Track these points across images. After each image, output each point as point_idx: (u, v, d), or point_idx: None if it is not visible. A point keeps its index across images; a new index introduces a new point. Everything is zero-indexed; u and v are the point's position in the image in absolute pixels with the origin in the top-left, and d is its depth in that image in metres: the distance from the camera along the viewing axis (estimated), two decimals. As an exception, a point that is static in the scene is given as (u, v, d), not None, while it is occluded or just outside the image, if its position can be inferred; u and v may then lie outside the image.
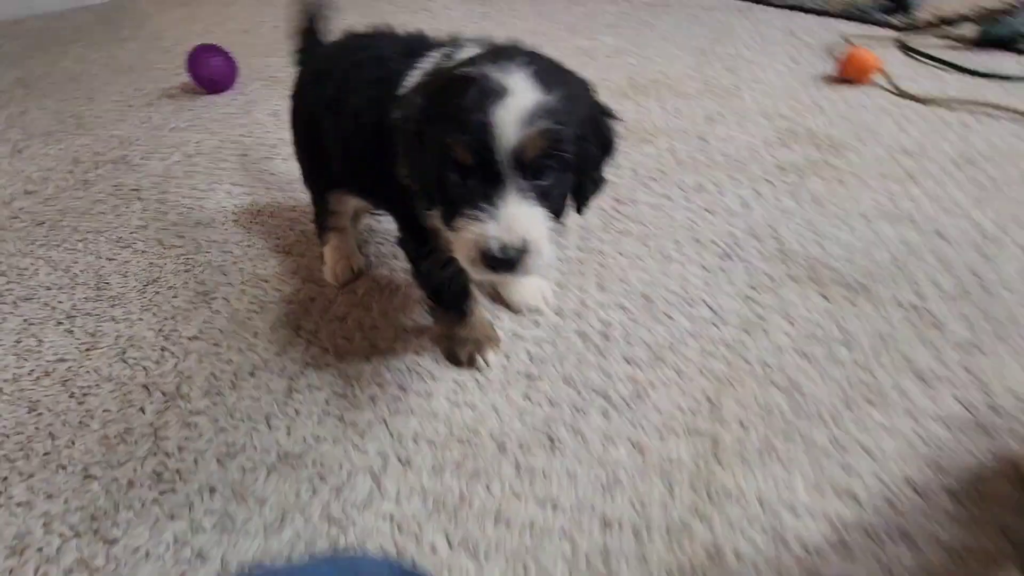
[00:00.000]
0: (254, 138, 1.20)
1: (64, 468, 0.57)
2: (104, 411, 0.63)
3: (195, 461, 0.57)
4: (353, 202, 0.75)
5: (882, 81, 1.13)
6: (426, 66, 0.52)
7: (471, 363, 0.63)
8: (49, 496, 0.55)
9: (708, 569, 0.45)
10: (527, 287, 0.70)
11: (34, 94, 1.55)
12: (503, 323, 0.69)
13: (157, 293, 0.79)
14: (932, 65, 1.18)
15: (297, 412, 0.61)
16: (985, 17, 1.31)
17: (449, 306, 0.62)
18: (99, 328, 0.74)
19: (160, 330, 0.73)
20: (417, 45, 0.57)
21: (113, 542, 0.51)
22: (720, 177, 0.91)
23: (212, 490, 0.54)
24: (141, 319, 0.75)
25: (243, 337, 0.71)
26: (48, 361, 0.70)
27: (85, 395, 0.65)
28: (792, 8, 1.57)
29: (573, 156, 0.44)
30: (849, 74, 1.13)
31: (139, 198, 1.02)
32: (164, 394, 0.64)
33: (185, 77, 1.54)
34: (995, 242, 0.73)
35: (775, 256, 0.75)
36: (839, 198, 0.84)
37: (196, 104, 1.39)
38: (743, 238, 0.78)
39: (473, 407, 0.60)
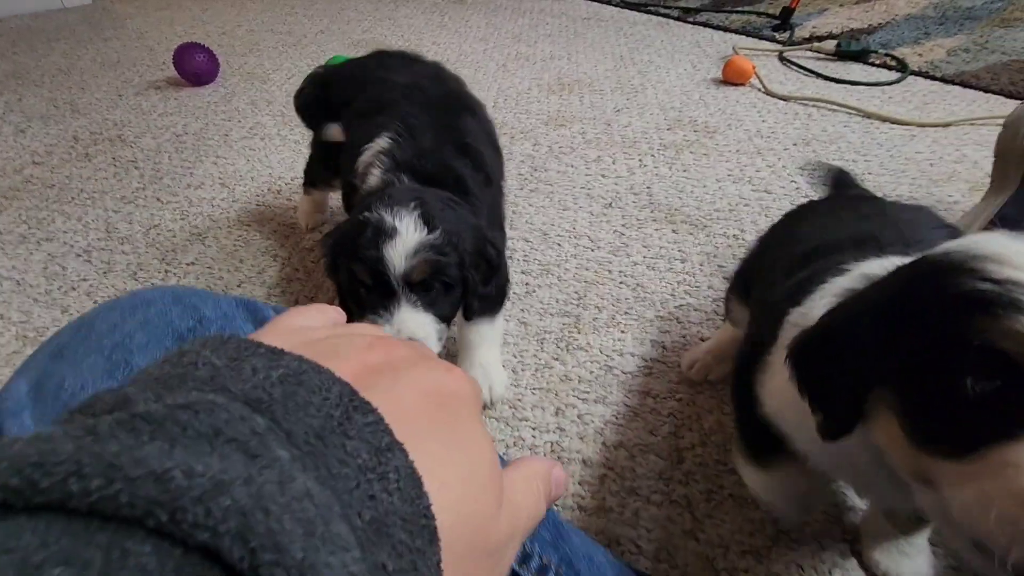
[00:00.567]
0: (234, 122, 1.39)
1: (96, 346, 0.76)
2: (123, 311, 0.82)
3: (198, 339, 0.76)
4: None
5: (756, 83, 1.39)
6: None
7: None
8: (87, 362, 0.74)
9: (558, 387, 0.67)
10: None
11: (27, 84, 1.70)
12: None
13: (159, 234, 0.98)
14: (799, 72, 1.46)
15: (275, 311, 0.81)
16: (846, 35, 1.60)
17: None
18: (112, 258, 0.93)
19: (163, 259, 0.92)
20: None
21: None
22: (616, 152, 1.15)
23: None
24: (147, 252, 0.94)
25: (231, 262, 0.90)
26: (73, 280, 0.88)
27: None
28: (702, 24, 1.85)
29: (455, 278, 0.55)
30: (731, 77, 1.40)
31: (136, 167, 1.20)
32: (170, 299, 0.83)
33: (170, 72, 1.72)
34: (805, 196, 0.98)
35: (645, 206, 0.98)
36: (701, 167, 1.08)
37: (181, 94, 1.57)
38: (624, 194, 1.02)
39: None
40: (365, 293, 0.55)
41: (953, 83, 1.33)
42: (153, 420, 0.12)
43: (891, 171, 1.03)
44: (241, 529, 0.10)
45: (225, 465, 0.11)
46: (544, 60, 1.66)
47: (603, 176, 1.07)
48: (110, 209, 1.06)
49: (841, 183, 0.70)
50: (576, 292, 0.81)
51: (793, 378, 0.33)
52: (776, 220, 0.62)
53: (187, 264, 0.90)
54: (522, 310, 0.78)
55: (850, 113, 1.24)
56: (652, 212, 0.97)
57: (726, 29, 1.78)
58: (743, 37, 1.72)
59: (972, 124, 1.16)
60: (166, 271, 0.89)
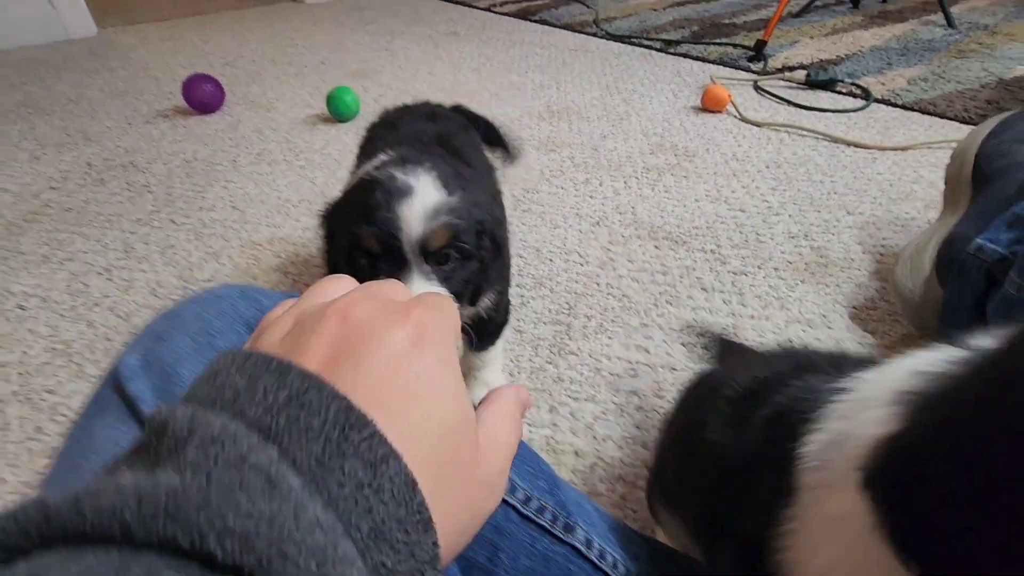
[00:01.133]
0: (241, 149, 1.47)
1: (121, 356, 0.82)
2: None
3: (217, 349, 0.82)
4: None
5: (732, 110, 1.49)
6: None
7: None
8: (114, 371, 0.79)
9: (552, 387, 0.74)
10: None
11: (39, 113, 1.77)
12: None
13: (175, 254, 1.04)
14: (772, 100, 1.56)
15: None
16: (815, 66, 1.72)
17: None
18: (132, 276, 0.99)
19: (180, 276, 0.98)
20: None
21: (165, 391, 0.76)
22: (603, 175, 1.24)
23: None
24: (164, 270, 1.00)
25: (245, 280, 0.97)
26: (95, 297, 0.94)
27: (129, 316, 0.89)
28: (682, 55, 1.96)
29: (471, 249, 0.50)
30: (708, 105, 1.50)
31: (150, 191, 1.27)
32: (189, 313, 0.89)
33: (176, 101, 1.80)
34: (776, 215, 1.07)
35: (630, 224, 1.06)
36: (682, 188, 1.17)
37: (189, 122, 1.65)
38: (610, 213, 1.10)
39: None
40: (367, 264, 0.49)
41: (913, 110, 1.44)
42: (194, 462, 0.16)
43: (855, 191, 1.12)
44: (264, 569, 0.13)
45: (252, 500, 0.14)
46: (535, 89, 1.76)
47: (591, 197, 1.15)
48: (127, 231, 1.12)
49: (727, 350, 0.61)
50: (567, 303, 0.88)
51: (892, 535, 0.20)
52: (679, 401, 0.51)
53: (203, 281, 0.97)
54: (518, 319, 0.85)
55: (818, 138, 1.34)
56: (636, 230, 1.04)
57: (705, 60, 1.90)
58: (720, 67, 1.83)
59: (929, 147, 1.26)
60: (184, 287, 0.95)
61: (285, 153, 1.43)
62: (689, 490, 0.40)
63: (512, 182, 1.22)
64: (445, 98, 1.72)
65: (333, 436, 0.18)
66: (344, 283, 0.29)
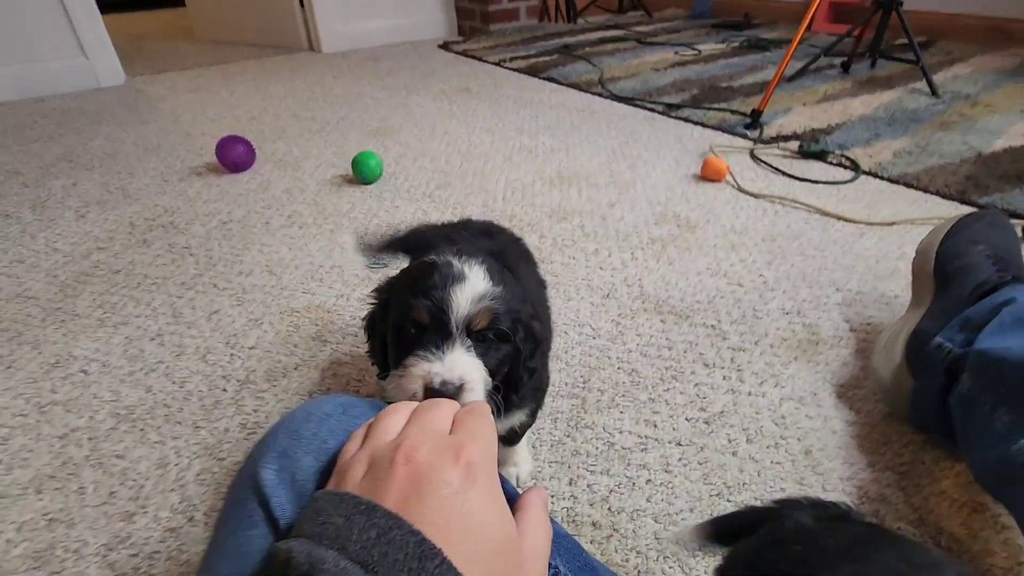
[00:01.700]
0: (273, 211, 1.58)
1: (179, 424, 0.90)
2: (198, 391, 0.96)
3: (265, 416, 0.91)
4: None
5: (731, 180, 1.61)
6: None
7: None
8: (174, 438, 0.88)
9: (570, 460, 0.82)
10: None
11: (79, 168, 1.89)
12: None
13: (220, 320, 1.14)
14: (767, 169, 1.68)
15: (328, 389, 0.96)
16: (808, 135, 1.85)
17: None
18: (182, 342, 1.08)
19: (227, 343, 1.07)
20: None
21: (222, 459, 0.84)
22: (611, 246, 1.34)
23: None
24: (212, 336, 1.09)
25: (287, 347, 1.06)
26: (151, 363, 1.03)
27: (184, 382, 0.98)
28: (684, 119, 2.09)
29: (508, 334, 0.56)
30: (708, 175, 1.61)
31: (191, 254, 1.37)
32: (238, 381, 0.98)
33: (208, 158, 1.92)
34: (771, 290, 1.16)
35: (637, 297, 1.16)
36: (685, 261, 1.27)
37: (222, 182, 1.76)
38: (619, 286, 1.20)
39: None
40: (415, 334, 0.55)
41: (898, 183, 1.55)
42: None
43: (843, 267, 1.22)
44: None
45: None
46: (545, 153, 1.88)
47: (601, 269, 1.26)
48: (173, 295, 1.22)
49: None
50: (581, 376, 0.97)
51: None
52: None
53: (249, 348, 1.06)
54: (537, 392, 0.94)
55: (811, 211, 1.45)
56: (643, 303, 1.14)
57: (704, 125, 2.03)
58: (719, 133, 1.96)
59: (912, 224, 1.36)
60: (231, 355, 1.04)
61: (314, 216, 1.53)
62: None
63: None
64: (460, 160, 1.85)
65: (415, 566, 0.26)
66: (400, 416, 0.40)
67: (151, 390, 0.97)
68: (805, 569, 0.41)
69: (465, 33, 3.88)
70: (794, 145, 1.77)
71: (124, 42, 3.80)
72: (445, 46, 3.53)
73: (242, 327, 1.11)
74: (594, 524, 0.73)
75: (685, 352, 1.01)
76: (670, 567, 0.68)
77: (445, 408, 0.40)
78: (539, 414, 0.80)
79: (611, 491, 0.77)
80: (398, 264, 0.75)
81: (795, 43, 1.94)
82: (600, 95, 2.44)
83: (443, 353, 0.53)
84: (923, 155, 1.68)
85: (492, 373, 0.57)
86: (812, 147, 1.72)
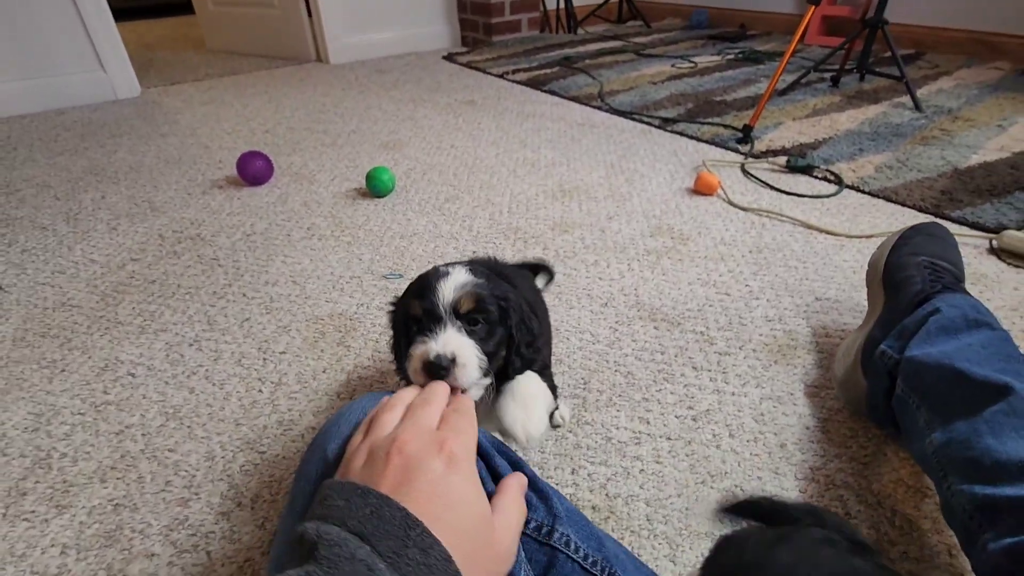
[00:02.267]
0: (293, 223, 1.68)
1: (222, 421, 1.01)
2: (236, 392, 1.07)
3: (299, 415, 1.01)
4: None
5: (722, 195, 1.71)
6: None
7: None
8: (219, 434, 0.98)
9: (572, 453, 0.93)
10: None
11: (106, 181, 1.99)
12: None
13: (251, 327, 1.24)
14: (757, 183, 1.78)
15: (354, 391, 1.06)
16: (795, 150, 1.95)
17: None
18: (218, 348, 1.18)
19: (259, 348, 1.18)
20: None
21: (263, 452, 0.94)
22: (609, 257, 1.45)
23: (315, 428, 0.99)
24: (245, 342, 1.20)
25: (314, 352, 1.16)
26: (191, 366, 1.13)
27: (223, 384, 1.09)
28: (679, 133, 2.20)
29: (497, 320, 0.64)
30: (700, 189, 1.72)
31: (219, 265, 1.48)
32: (272, 383, 1.09)
33: (227, 171, 2.03)
34: (756, 298, 1.27)
35: (633, 305, 1.27)
36: (677, 271, 1.38)
37: (242, 194, 1.87)
38: (616, 295, 1.30)
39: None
40: (416, 328, 0.62)
41: (878, 197, 1.66)
42: (326, 558, 0.32)
43: (823, 277, 1.33)
44: None
45: None
46: (547, 166, 1.99)
47: (600, 279, 1.36)
48: (206, 303, 1.32)
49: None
50: (582, 378, 1.07)
51: None
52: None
53: (280, 353, 1.16)
54: (542, 392, 1.04)
55: (795, 224, 1.55)
56: (639, 311, 1.25)
57: (698, 139, 2.13)
58: (712, 147, 2.07)
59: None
60: (264, 359, 1.14)
61: (332, 228, 1.64)
62: None
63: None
64: (467, 173, 1.95)
65: (400, 534, 0.34)
66: (395, 413, 0.50)
67: (194, 391, 1.07)
68: None
69: (468, 44, 3.99)
70: (783, 160, 1.88)
71: (136, 52, 3.90)
72: (449, 57, 3.64)
73: (272, 333, 1.22)
74: (594, 507, 0.84)
75: (676, 356, 1.12)
76: (659, 544, 0.78)
77: (434, 406, 0.49)
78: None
79: (608, 479, 0.88)
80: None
81: (785, 59, 2.04)
82: (599, 108, 2.54)
83: (437, 335, 0.60)
84: (903, 170, 1.78)
85: (488, 353, 0.63)
86: (799, 162, 1.83)
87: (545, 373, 0.78)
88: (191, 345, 1.19)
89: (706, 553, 0.71)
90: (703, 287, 1.32)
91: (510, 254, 1.47)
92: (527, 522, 0.52)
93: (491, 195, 1.81)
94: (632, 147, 2.12)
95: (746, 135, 2.04)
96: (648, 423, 0.97)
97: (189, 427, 0.99)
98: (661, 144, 2.14)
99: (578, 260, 1.44)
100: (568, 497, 0.86)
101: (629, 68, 3.11)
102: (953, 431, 0.70)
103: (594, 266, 1.41)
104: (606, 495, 0.86)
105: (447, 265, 0.67)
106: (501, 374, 0.69)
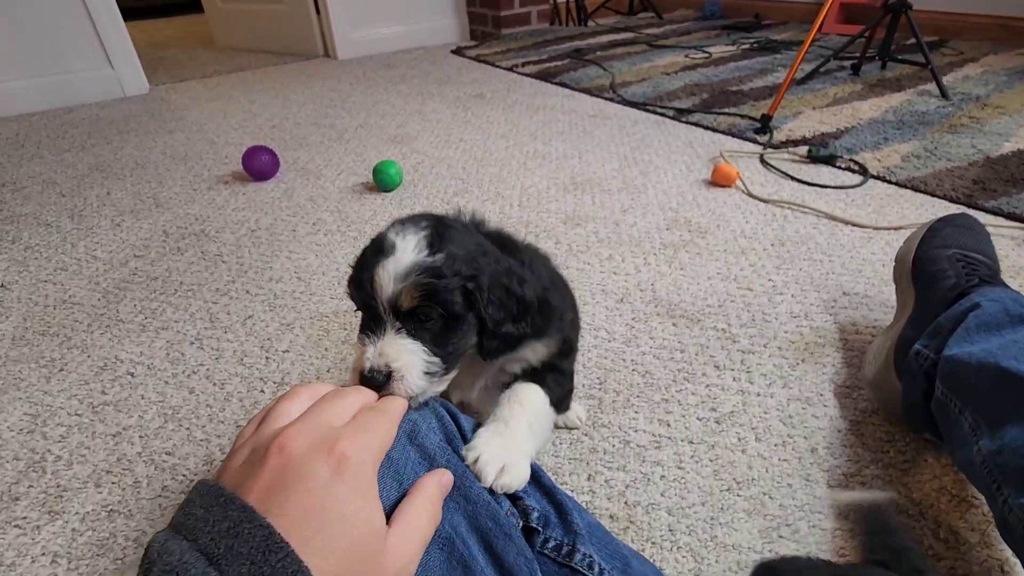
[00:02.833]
0: (299, 218, 1.64)
1: (222, 423, 0.97)
2: (238, 392, 1.03)
3: (302, 416, 0.97)
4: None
5: (740, 186, 1.65)
6: None
7: None
8: (218, 436, 0.94)
9: (588, 457, 0.87)
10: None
11: (112, 178, 1.97)
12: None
13: (254, 324, 1.20)
14: (777, 174, 1.71)
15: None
16: (817, 140, 1.88)
17: None
18: (220, 346, 1.14)
19: (262, 347, 1.14)
20: None
21: (263, 455, 0.90)
22: (624, 251, 1.39)
23: (315, 430, 0.94)
24: (248, 340, 1.16)
25: (318, 350, 1.12)
26: (192, 365, 1.10)
27: (223, 384, 1.05)
28: (694, 124, 2.13)
29: (458, 310, 0.51)
30: (718, 180, 1.65)
31: (223, 261, 1.44)
32: (275, 383, 1.04)
33: (233, 166, 1.99)
34: (780, 293, 1.21)
35: (650, 301, 1.21)
36: (695, 266, 1.32)
37: (248, 190, 1.83)
38: (632, 290, 1.24)
39: (464, 386, 1.02)
40: (364, 314, 0.54)
41: (906, 187, 1.59)
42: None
43: (851, 271, 1.26)
44: None
45: None
46: (559, 159, 1.93)
47: (615, 274, 1.30)
48: (209, 301, 1.28)
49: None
50: (598, 378, 1.02)
51: None
52: None
53: (283, 351, 1.12)
54: (556, 393, 0.99)
55: (819, 216, 1.48)
56: (656, 307, 1.19)
57: (715, 130, 2.06)
58: (729, 138, 2.00)
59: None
60: (267, 358, 1.10)
61: (338, 223, 1.59)
62: None
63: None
64: (476, 167, 1.90)
65: (258, 559, 0.29)
66: (298, 403, 0.42)
67: (194, 391, 1.03)
68: None
69: (477, 38, 3.94)
70: (803, 150, 1.81)
71: (145, 50, 3.90)
72: (458, 51, 3.59)
73: (275, 331, 1.18)
74: (612, 517, 0.79)
75: (697, 355, 1.06)
76: (682, 557, 0.73)
77: (350, 399, 0.42)
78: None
79: (627, 486, 0.83)
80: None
81: (805, 47, 1.97)
82: (611, 100, 2.48)
83: (376, 338, 0.50)
84: (931, 159, 1.70)
85: (443, 354, 0.52)
86: (821, 152, 1.75)
87: (570, 357, 0.71)
88: (192, 343, 1.15)
89: (736, 568, 0.66)
90: (723, 282, 1.26)
91: (521, 249, 1.42)
92: (544, 541, 0.47)
93: (501, 188, 1.75)
94: (646, 138, 2.06)
95: (764, 125, 1.97)
96: (669, 426, 0.92)
97: (188, 429, 0.96)
98: (676, 135, 2.07)
99: (591, 254, 1.39)
100: (584, 505, 0.80)
101: (641, 59, 3.04)
102: (1004, 437, 0.64)
103: (608, 260, 1.36)
104: (625, 503, 0.80)
105: (402, 224, 0.53)
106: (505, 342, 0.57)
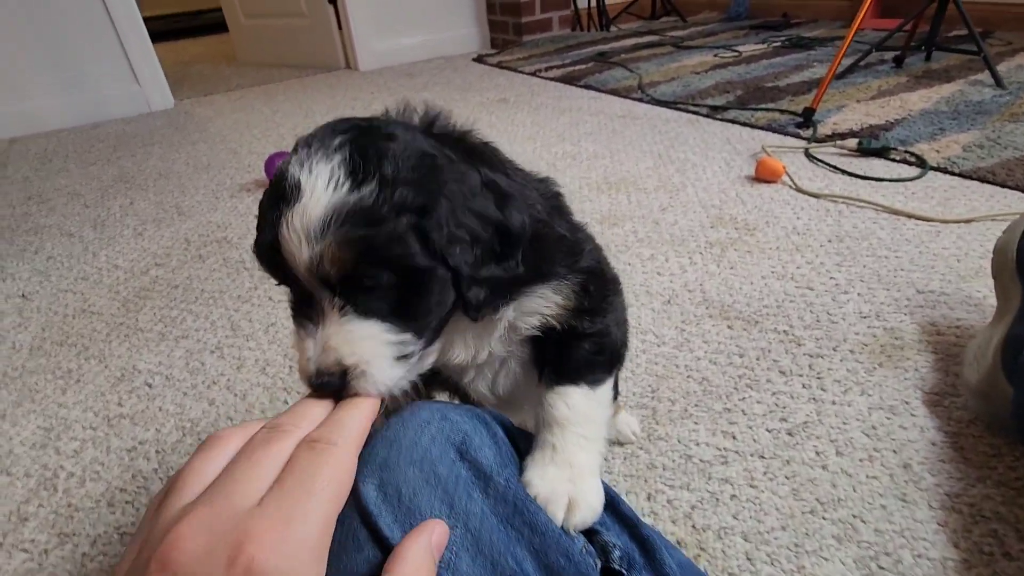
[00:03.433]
0: (322, 223, 1.58)
1: (243, 436, 0.90)
2: (260, 403, 0.96)
3: (328, 429, 0.89)
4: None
5: (787, 180, 1.54)
6: None
7: None
8: (238, 450, 0.87)
9: (646, 473, 0.78)
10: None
11: (135, 188, 1.95)
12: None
13: (277, 332, 1.14)
14: (825, 168, 1.61)
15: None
16: (866, 133, 1.77)
17: None
18: (241, 355, 1.08)
19: (285, 355, 1.07)
20: None
21: (287, 472, 0.83)
22: (667, 250, 1.30)
23: (342, 445, 0.86)
24: (270, 348, 1.09)
25: (344, 358, 1.05)
26: (212, 375, 1.03)
27: (245, 394, 0.98)
28: (730, 121, 2.04)
29: (421, 258, 0.35)
30: (763, 175, 1.55)
31: (245, 268, 1.38)
32: (298, 393, 0.97)
33: (256, 174, 1.96)
34: (845, 293, 1.10)
35: (700, 302, 1.11)
36: (747, 264, 1.22)
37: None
38: (680, 291, 1.15)
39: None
40: (290, 291, 0.39)
41: (971, 178, 1.47)
42: None
43: (921, 267, 1.15)
44: None
45: None
46: (589, 159, 1.85)
47: (659, 274, 1.21)
48: (230, 308, 1.23)
49: None
50: (649, 385, 0.93)
51: None
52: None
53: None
54: (604, 402, 0.90)
55: (877, 210, 1.37)
56: (707, 309, 1.09)
57: (753, 126, 1.97)
58: (769, 133, 1.89)
59: (993, 220, 1.28)
60: (290, 367, 1.03)
61: (363, 228, 1.53)
62: None
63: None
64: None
65: None
66: (225, 451, 0.31)
67: (214, 403, 0.97)
68: None
69: (498, 46, 3.90)
70: (852, 143, 1.69)
71: (172, 68, 3.95)
72: (479, 59, 3.56)
73: (299, 339, 1.11)
74: (679, 543, 0.69)
75: (758, 359, 0.96)
76: (767, 591, 0.63)
77: (276, 447, 0.31)
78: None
79: (693, 507, 0.73)
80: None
81: (849, 38, 1.87)
82: (640, 100, 2.40)
83: (315, 326, 0.36)
84: (996, 148, 1.58)
85: (416, 324, 0.38)
86: (872, 144, 1.64)
87: (607, 301, 0.50)
88: (213, 352, 1.09)
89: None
90: (779, 281, 1.15)
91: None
92: None
93: (531, 190, 1.68)
94: (680, 136, 1.96)
95: (807, 119, 1.87)
96: (734, 438, 0.82)
97: (207, 443, 0.88)
98: (711, 132, 1.97)
99: (632, 254, 1.29)
100: (646, 529, 0.71)
101: (668, 60, 2.96)
102: None
103: (651, 260, 1.26)
104: (692, 527, 0.70)
105: (307, 147, 0.36)
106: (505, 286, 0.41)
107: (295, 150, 0.37)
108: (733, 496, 0.74)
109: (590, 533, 0.41)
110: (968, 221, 1.28)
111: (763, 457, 0.79)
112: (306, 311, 0.37)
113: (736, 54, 2.95)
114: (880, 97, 2.08)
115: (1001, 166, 1.49)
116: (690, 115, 2.17)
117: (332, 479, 0.30)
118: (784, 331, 1.02)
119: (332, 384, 0.36)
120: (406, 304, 0.37)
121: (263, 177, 1.89)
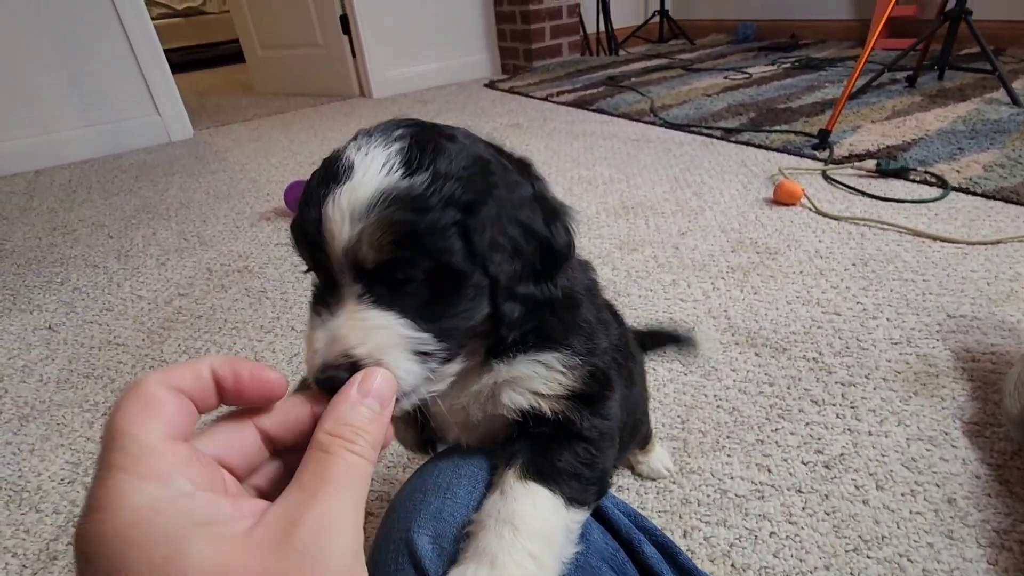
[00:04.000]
0: (342, 251, 1.60)
1: (269, 470, 0.89)
2: (285, 437, 0.95)
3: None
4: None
5: (806, 203, 1.54)
6: None
7: None
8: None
9: (680, 509, 0.76)
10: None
11: (157, 218, 1.98)
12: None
13: (301, 363, 1.14)
14: (844, 190, 1.60)
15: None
16: (883, 153, 1.76)
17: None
18: (265, 386, 1.08)
19: (309, 386, 1.07)
20: None
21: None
22: (689, 276, 1.29)
23: (381, 489, 0.86)
24: (294, 378, 1.09)
25: (368, 389, 1.04)
26: (237, 408, 1.03)
27: (270, 427, 0.98)
28: (744, 143, 2.04)
29: (460, 258, 0.34)
30: (782, 198, 1.55)
31: (267, 297, 1.39)
32: (323, 425, 0.97)
33: (275, 202, 1.98)
34: (873, 318, 1.08)
35: (725, 329, 1.10)
36: (770, 289, 1.20)
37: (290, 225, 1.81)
38: (704, 317, 1.14)
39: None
40: (317, 278, 0.37)
41: (995, 199, 1.45)
42: None
43: (950, 290, 1.13)
44: None
45: None
46: (605, 184, 1.86)
47: (681, 300, 1.20)
48: (253, 339, 1.23)
49: None
50: (679, 416, 0.91)
51: None
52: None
53: (331, 391, 1.05)
54: (633, 434, 0.89)
55: (901, 232, 1.36)
56: (733, 336, 1.08)
57: (768, 148, 1.97)
58: (785, 156, 1.89)
59: (1022, 242, 1.26)
60: (315, 399, 1.03)
61: (383, 256, 1.54)
62: None
63: (602, 284, 1.28)
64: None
65: None
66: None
67: (239, 436, 0.96)
68: None
69: (509, 71, 3.96)
70: (870, 164, 1.69)
71: (190, 99, 4.04)
72: (491, 85, 3.61)
73: (323, 370, 1.11)
74: (718, 583, 0.67)
75: (789, 388, 0.94)
76: (814, 635, 0.61)
77: None
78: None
79: (731, 545, 0.71)
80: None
81: (863, 59, 1.87)
82: (653, 123, 2.41)
83: (329, 314, 0.33)
84: (1017, 167, 1.57)
85: (442, 331, 0.35)
86: (891, 165, 1.63)
87: (607, 407, 0.44)
88: (237, 384, 1.09)
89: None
90: (805, 306, 1.14)
91: (576, 276, 1.34)
92: None
93: (548, 215, 1.68)
94: (695, 160, 1.97)
95: (823, 140, 1.87)
96: (769, 471, 0.80)
97: (233, 479, 0.88)
98: (726, 155, 1.98)
99: (653, 280, 1.29)
100: (684, 568, 0.69)
101: (679, 83, 2.99)
102: None
103: (672, 286, 1.26)
104: (732, 566, 0.69)
105: (367, 135, 0.36)
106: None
107: (355, 138, 0.37)
108: (772, 533, 0.72)
109: None
110: (995, 243, 1.27)
111: (800, 491, 0.77)
112: (326, 300, 0.34)
113: (747, 76, 2.97)
114: (895, 117, 2.08)
115: (1025, 186, 1.47)
116: (704, 138, 2.18)
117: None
118: (814, 358, 1.00)
119: (338, 381, 0.31)
120: (434, 306, 0.34)
121: (282, 205, 1.91)
